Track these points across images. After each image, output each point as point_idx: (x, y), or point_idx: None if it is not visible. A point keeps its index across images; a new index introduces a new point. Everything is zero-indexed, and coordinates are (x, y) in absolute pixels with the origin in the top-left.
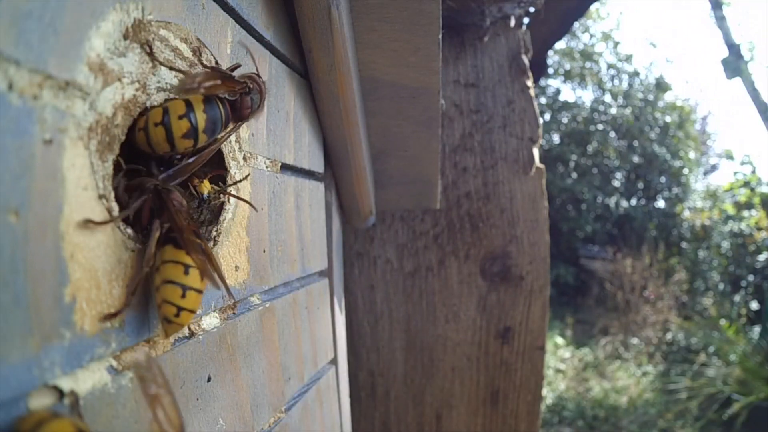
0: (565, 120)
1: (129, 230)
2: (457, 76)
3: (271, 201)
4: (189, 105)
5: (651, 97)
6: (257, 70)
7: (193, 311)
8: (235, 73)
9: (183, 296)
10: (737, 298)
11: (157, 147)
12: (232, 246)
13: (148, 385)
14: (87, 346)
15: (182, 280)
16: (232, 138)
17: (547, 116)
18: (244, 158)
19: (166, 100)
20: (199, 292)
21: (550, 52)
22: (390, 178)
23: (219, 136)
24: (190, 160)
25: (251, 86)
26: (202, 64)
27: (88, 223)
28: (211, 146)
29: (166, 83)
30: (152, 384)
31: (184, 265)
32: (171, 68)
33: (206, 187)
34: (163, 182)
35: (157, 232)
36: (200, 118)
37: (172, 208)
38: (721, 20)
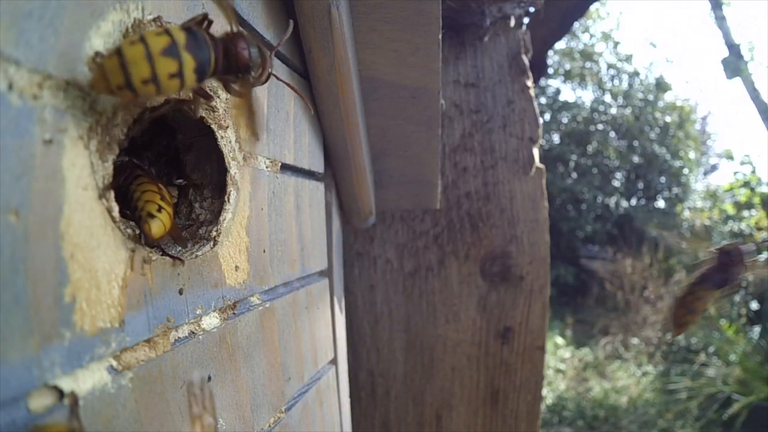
0: (565, 120)
1: (129, 230)
2: (457, 76)
3: (271, 201)
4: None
5: (651, 97)
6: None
7: (170, 215)
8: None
9: (162, 198)
10: (737, 298)
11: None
12: (232, 246)
13: (193, 405)
14: (87, 346)
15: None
16: (233, 138)
17: (547, 116)
18: (244, 158)
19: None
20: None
21: (550, 52)
22: (390, 178)
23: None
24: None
25: (253, 42)
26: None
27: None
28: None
29: None
30: (196, 405)
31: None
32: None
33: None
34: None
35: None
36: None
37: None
38: (721, 20)
